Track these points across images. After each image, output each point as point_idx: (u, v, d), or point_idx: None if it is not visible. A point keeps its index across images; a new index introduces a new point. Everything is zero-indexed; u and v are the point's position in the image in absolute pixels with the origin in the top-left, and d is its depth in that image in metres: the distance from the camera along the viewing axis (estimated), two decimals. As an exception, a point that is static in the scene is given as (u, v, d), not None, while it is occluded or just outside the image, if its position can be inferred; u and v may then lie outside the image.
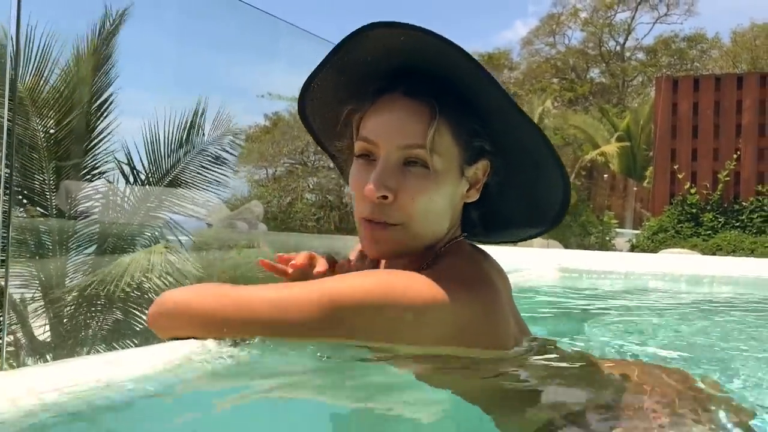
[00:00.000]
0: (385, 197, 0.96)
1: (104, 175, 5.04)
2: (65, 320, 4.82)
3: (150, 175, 5.08)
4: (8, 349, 4.46)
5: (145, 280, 4.66)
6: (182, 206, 5.14)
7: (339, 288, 0.90)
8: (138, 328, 4.76)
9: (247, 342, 0.91)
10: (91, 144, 4.93)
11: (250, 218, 11.49)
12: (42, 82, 4.55)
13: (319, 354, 0.91)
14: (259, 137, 17.55)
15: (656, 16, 32.02)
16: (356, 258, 1.13)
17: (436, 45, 0.93)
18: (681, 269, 4.27)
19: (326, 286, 0.91)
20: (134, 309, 4.83)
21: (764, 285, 4.05)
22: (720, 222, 10.55)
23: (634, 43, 32.66)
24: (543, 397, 0.97)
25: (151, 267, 4.54)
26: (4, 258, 3.85)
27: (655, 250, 9.96)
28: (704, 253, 9.21)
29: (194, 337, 0.92)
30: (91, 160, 4.98)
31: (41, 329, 4.74)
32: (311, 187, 15.21)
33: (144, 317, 4.65)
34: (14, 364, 4.38)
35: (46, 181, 4.70)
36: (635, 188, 18.45)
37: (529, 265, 3.98)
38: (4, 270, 3.64)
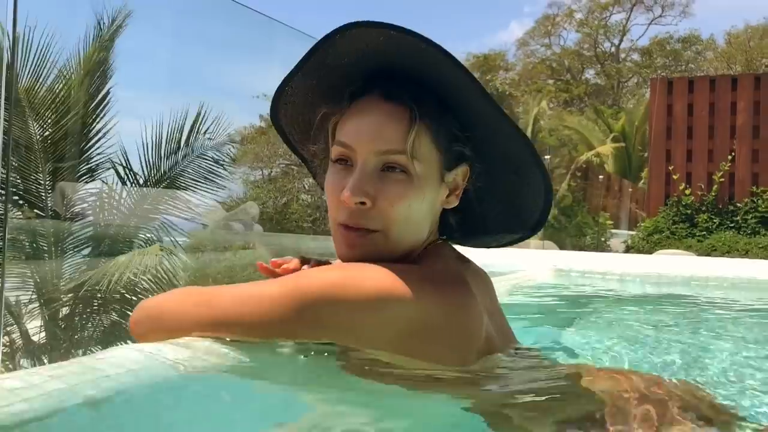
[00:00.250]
0: (363, 203, 0.94)
1: (100, 177, 5.04)
2: (60, 322, 4.81)
3: (147, 178, 5.08)
4: (4, 350, 4.46)
5: (139, 281, 4.66)
6: (178, 208, 5.14)
7: (300, 281, 0.89)
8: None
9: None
10: (88, 145, 4.93)
11: (245, 219, 11.48)
12: (39, 83, 4.55)
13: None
14: (255, 138, 17.53)
15: (651, 18, 32.17)
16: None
17: (416, 45, 0.90)
18: (675, 270, 4.29)
19: (288, 279, 0.91)
20: (130, 311, 4.83)
21: (758, 286, 4.07)
22: (715, 223, 10.59)
23: (629, 45, 32.80)
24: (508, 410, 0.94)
25: (146, 269, 4.55)
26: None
27: (650, 251, 9.99)
28: (699, 254, 9.25)
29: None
30: (85, 162, 4.98)
31: (36, 331, 4.74)
32: (307, 188, 15.20)
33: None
34: (10, 366, 4.38)
35: (42, 182, 4.70)
36: (630, 189, 18.50)
37: (524, 265, 3.99)
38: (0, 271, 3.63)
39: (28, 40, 4.33)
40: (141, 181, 5.10)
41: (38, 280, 4.80)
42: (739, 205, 10.61)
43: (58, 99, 4.70)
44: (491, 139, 1.01)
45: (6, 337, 4.52)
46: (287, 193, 15.44)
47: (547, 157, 15.47)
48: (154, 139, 5.02)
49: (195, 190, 5.13)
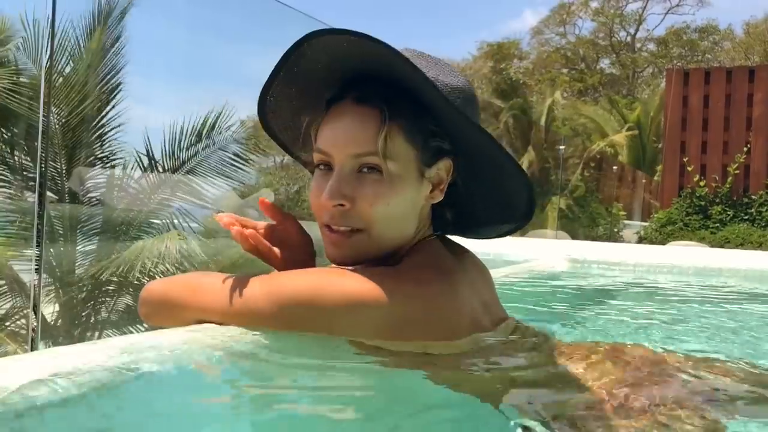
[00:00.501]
0: (342, 205, 0.98)
1: (118, 163, 5.09)
2: (76, 305, 4.88)
3: (165, 165, 5.14)
4: (21, 332, 4.54)
5: (155, 266, 4.72)
6: (195, 196, 5.20)
7: (277, 284, 0.94)
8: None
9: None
10: (104, 132, 4.98)
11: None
12: (58, 70, 4.60)
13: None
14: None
15: (668, 7, 31.81)
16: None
17: (373, 47, 0.92)
18: (689, 261, 4.28)
19: (271, 279, 0.96)
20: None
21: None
22: (729, 215, 10.53)
23: (645, 34, 32.47)
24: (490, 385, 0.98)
25: (164, 254, 4.60)
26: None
27: (663, 242, 9.96)
28: (712, 246, 9.20)
29: (171, 324, 0.97)
30: (98, 149, 5.03)
31: (52, 314, 4.81)
32: (319, 175, 15.20)
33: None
34: (27, 348, 4.45)
35: (59, 168, 4.75)
36: (644, 180, 18.40)
37: (538, 255, 4.00)
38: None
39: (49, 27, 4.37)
40: (160, 168, 5.15)
41: (53, 263, 4.87)
42: (753, 197, 10.55)
43: (77, 85, 4.74)
44: (461, 133, 1.03)
45: (23, 320, 4.59)
46: (299, 180, 15.46)
47: (561, 147, 15.37)
48: (173, 130, 5.07)
49: (212, 178, 5.18)
